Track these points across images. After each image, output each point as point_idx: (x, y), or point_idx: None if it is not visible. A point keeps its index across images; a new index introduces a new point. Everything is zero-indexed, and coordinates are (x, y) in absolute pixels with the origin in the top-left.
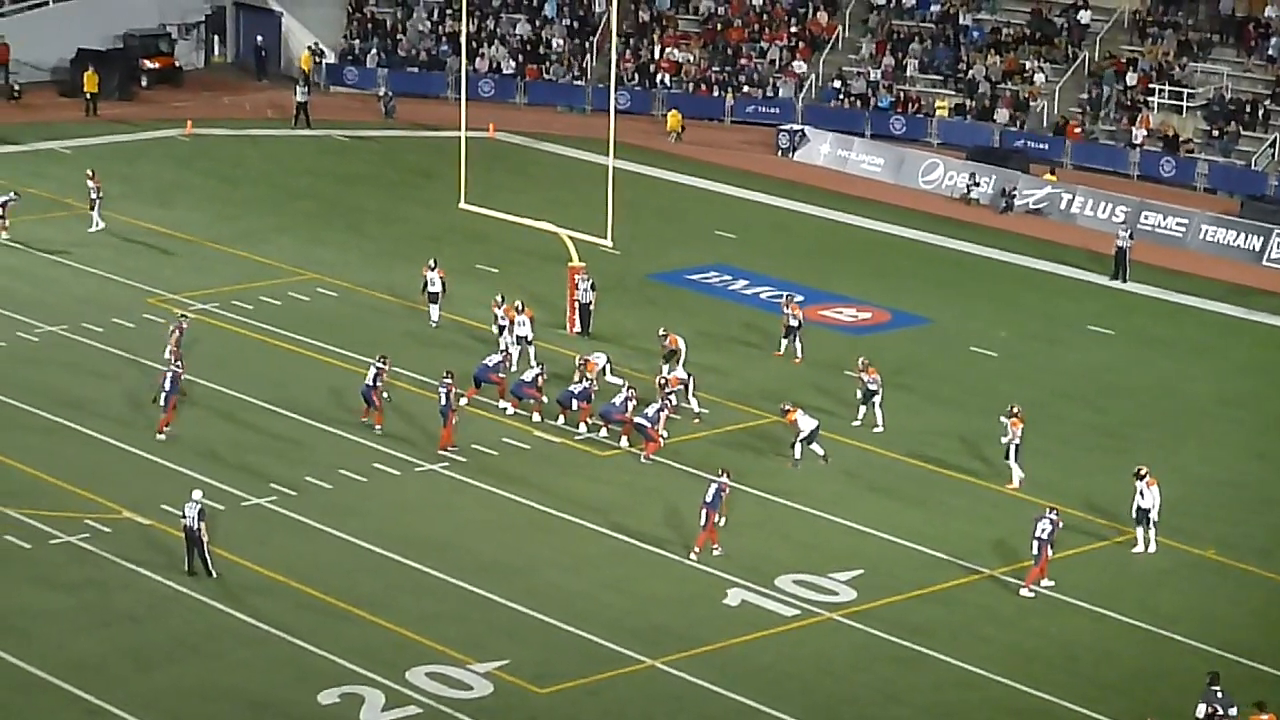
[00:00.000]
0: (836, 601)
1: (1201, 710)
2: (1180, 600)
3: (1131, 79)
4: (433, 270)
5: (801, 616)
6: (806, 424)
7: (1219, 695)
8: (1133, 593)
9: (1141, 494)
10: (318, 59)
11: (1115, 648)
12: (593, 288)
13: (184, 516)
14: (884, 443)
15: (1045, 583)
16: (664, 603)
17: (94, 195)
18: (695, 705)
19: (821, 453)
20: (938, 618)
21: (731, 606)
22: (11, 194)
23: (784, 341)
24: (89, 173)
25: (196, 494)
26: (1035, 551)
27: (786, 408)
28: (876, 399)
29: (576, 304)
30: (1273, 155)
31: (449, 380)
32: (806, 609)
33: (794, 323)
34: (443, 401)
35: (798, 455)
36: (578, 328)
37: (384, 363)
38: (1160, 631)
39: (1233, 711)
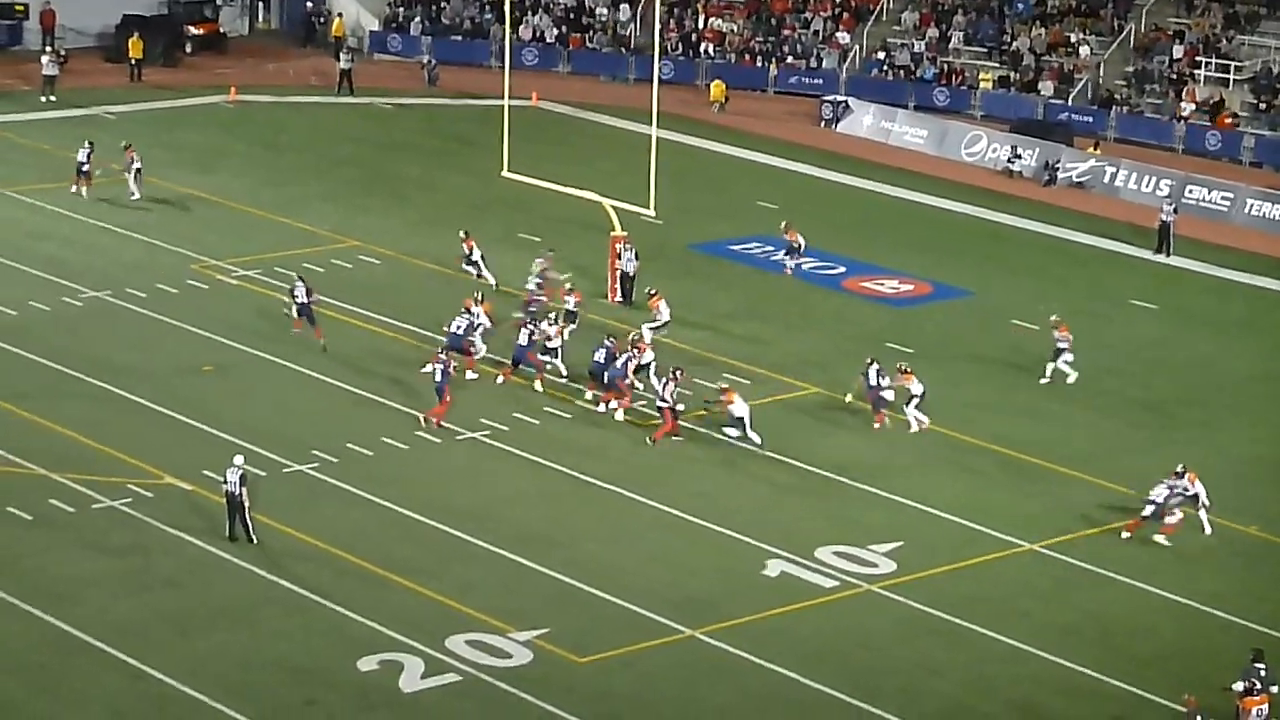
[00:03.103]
0: (876, 574)
1: (1240, 685)
2: (1222, 577)
3: (1178, 51)
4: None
5: (841, 588)
6: (740, 409)
7: (1261, 672)
8: (1174, 569)
9: (1186, 489)
10: (354, 34)
11: (1155, 623)
12: (636, 257)
13: (225, 482)
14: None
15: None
16: (703, 573)
17: (134, 166)
18: (733, 676)
19: (758, 441)
20: (978, 591)
21: (770, 577)
22: (87, 145)
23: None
24: (125, 145)
25: (238, 459)
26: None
27: (725, 388)
28: (1066, 358)
29: (619, 273)
30: None
31: (444, 356)
32: (846, 580)
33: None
34: (438, 377)
35: (733, 434)
36: (619, 297)
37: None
38: (1201, 608)
39: (1275, 689)
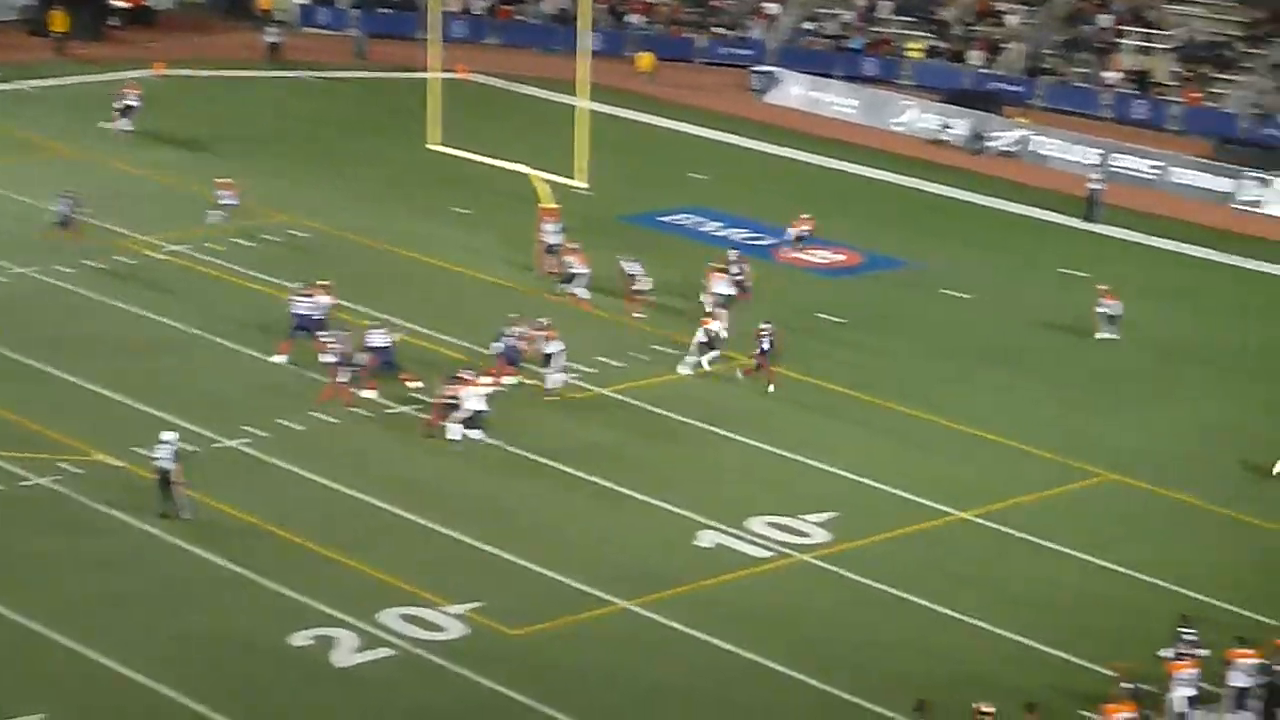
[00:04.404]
0: (810, 543)
1: (1170, 652)
2: (1157, 544)
3: (1105, 20)
4: None
5: (775, 558)
6: (474, 403)
7: (1190, 637)
8: (1108, 536)
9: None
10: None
11: (1093, 590)
12: (560, 230)
13: (155, 458)
14: (856, 385)
15: None
16: (636, 545)
17: (130, 103)
18: (668, 647)
19: (477, 437)
20: (912, 560)
21: (703, 548)
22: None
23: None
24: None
25: (168, 435)
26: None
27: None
28: (1116, 324)
29: (543, 246)
30: (1245, 97)
31: (330, 339)
32: (780, 551)
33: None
34: (332, 358)
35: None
36: (547, 269)
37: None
38: (1135, 574)
39: (1203, 653)
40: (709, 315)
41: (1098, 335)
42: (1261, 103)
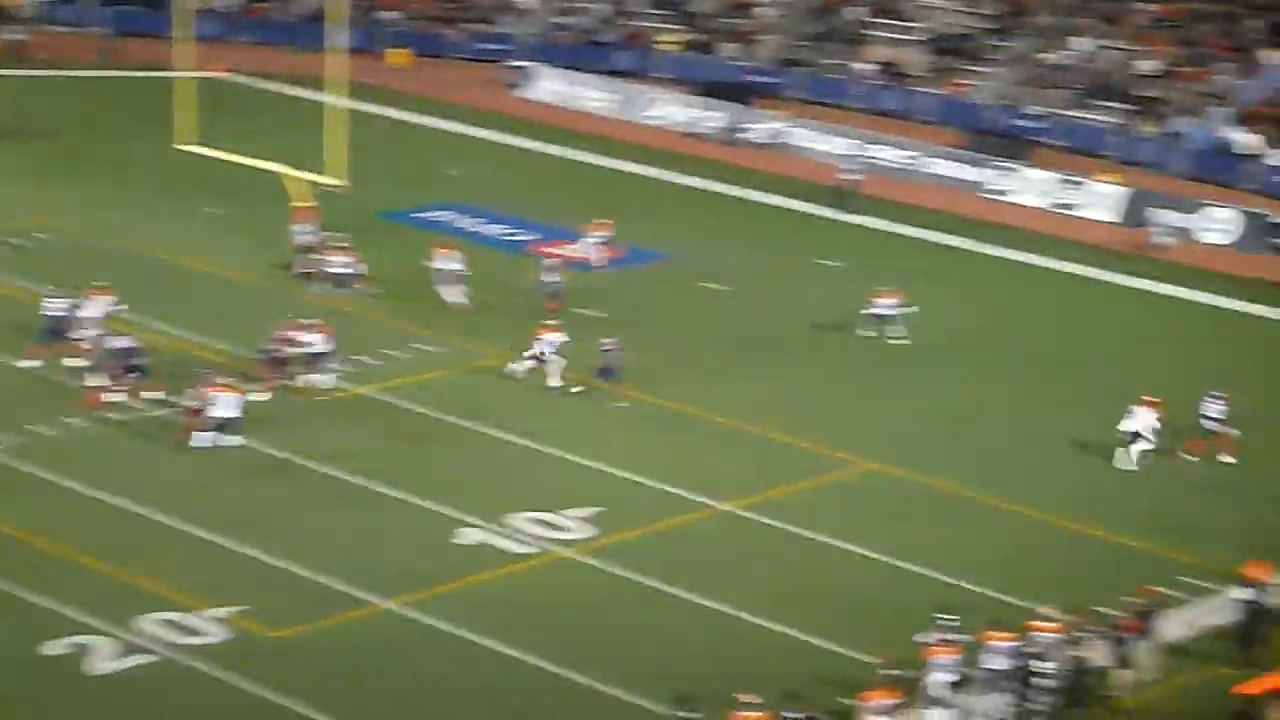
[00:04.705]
0: (572, 539)
1: (928, 638)
2: (915, 531)
3: (856, 12)
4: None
5: (537, 555)
6: (226, 409)
7: (947, 623)
8: (870, 524)
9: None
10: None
11: (853, 578)
12: (317, 229)
13: None
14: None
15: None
16: (395, 544)
17: None
18: (430, 645)
19: (232, 443)
20: (675, 554)
21: (464, 545)
22: None
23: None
24: None
25: None
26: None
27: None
28: (892, 323)
29: (295, 245)
30: (992, 88)
31: (83, 341)
32: (542, 546)
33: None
34: (84, 362)
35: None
36: (301, 268)
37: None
38: (897, 562)
39: (962, 638)
40: (546, 326)
41: (884, 336)
42: (1008, 94)
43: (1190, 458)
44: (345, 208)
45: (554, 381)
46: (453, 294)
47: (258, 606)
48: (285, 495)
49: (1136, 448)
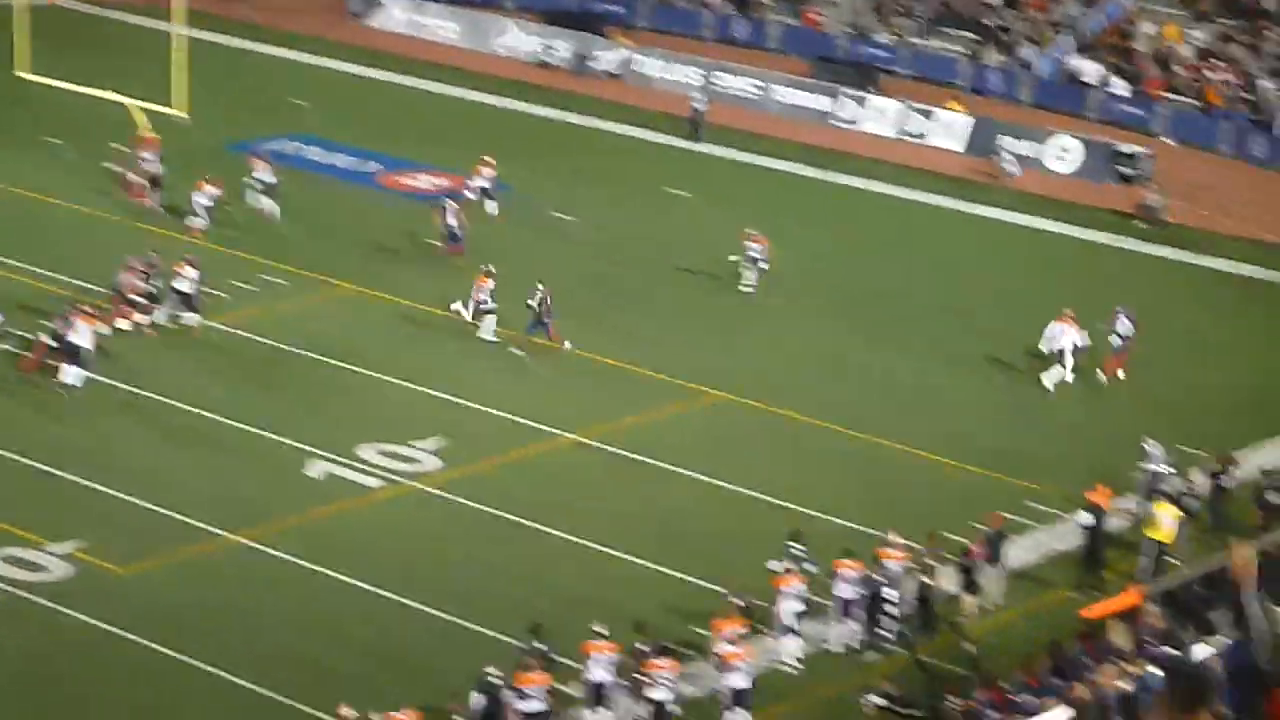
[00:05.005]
0: (422, 470)
1: (778, 565)
2: (767, 461)
3: None
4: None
5: (386, 486)
6: (79, 338)
7: (797, 552)
8: (719, 454)
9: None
10: None
11: (703, 508)
12: (160, 160)
13: None
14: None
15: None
16: (244, 478)
17: None
18: (280, 578)
19: (75, 376)
20: (525, 484)
21: (313, 479)
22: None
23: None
24: None
25: None
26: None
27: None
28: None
29: (146, 176)
30: (840, 17)
31: None
32: (391, 479)
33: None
34: None
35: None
36: (149, 200)
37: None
38: (745, 491)
39: (812, 567)
40: (485, 274)
41: (741, 285)
42: (857, 23)
43: (1112, 377)
44: (190, 139)
45: (488, 335)
46: (263, 203)
47: (105, 542)
48: (132, 430)
49: (1066, 365)
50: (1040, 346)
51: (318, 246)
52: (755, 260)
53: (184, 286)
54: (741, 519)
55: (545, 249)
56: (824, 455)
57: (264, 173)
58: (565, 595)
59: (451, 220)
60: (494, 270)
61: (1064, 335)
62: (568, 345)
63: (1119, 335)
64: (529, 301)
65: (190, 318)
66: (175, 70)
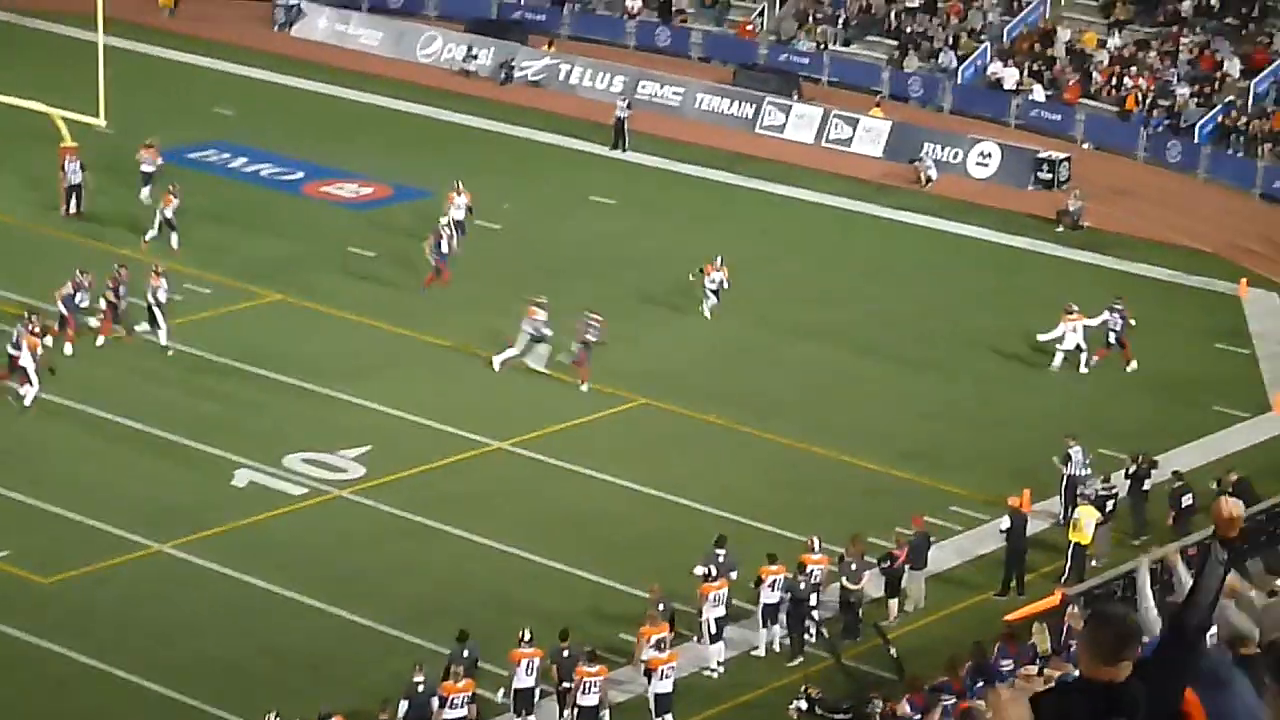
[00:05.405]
0: (346, 479)
1: (701, 570)
2: (690, 466)
3: None
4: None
5: (311, 495)
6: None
7: (721, 557)
8: (642, 459)
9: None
10: None
11: (629, 514)
12: (82, 168)
13: None
14: (388, 318)
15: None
16: (170, 486)
17: None
18: (206, 587)
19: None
20: (449, 491)
21: (239, 488)
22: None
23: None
24: None
25: None
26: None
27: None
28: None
29: (65, 186)
30: (763, 24)
31: None
32: (316, 487)
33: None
34: None
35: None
36: (71, 209)
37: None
38: (669, 496)
39: (733, 574)
40: (535, 305)
41: (705, 310)
42: (779, 30)
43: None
44: (114, 149)
45: (540, 365)
46: (144, 193)
47: (27, 550)
48: (56, 438)
49: (1082, 358)
50: (1059, 346)
51: (243, 255)
52: (715, 293)
53: (162, 296)
54: (666, 524)
55: (466, 253)
56: (747, 460)
57: (148, 164)
58: (489, 599)
59: (444, 247)
60: (544, 301)
61: (1074, 331)
62: (585, 388)
63: (1114, 329)
64: (587, 335)
65: (156, 331)
66: (101, 80)
